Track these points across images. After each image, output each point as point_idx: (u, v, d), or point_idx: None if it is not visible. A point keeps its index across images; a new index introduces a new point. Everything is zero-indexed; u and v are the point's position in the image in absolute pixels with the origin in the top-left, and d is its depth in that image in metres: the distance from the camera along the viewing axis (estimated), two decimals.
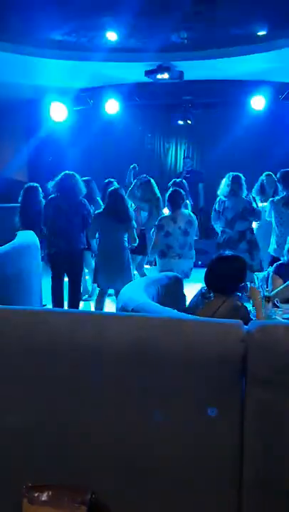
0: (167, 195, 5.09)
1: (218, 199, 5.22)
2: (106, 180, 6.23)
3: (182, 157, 10.34)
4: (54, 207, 4.83)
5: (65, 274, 5.01)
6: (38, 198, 5.54)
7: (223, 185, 5.16)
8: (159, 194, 5.97)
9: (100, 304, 4.96)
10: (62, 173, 4.92)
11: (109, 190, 4.98)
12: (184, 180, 6.57)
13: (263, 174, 6.11)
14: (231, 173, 5.20)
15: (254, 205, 5.20)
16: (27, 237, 4.24)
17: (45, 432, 1.40)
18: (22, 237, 4.17)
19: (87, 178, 5.73)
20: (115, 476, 1.38)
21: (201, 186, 8.75)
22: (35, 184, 5.77)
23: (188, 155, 10.20)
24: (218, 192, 5.23)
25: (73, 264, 4.92)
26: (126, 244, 4.86)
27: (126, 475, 1.37)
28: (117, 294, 4.44)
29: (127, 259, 4.86)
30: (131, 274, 4.91)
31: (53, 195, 4.90)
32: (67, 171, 4.97)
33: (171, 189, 5.26)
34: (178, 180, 6.41)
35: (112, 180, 6.22)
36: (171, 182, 6.22)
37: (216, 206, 5.21)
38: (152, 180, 6.05)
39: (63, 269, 4.92)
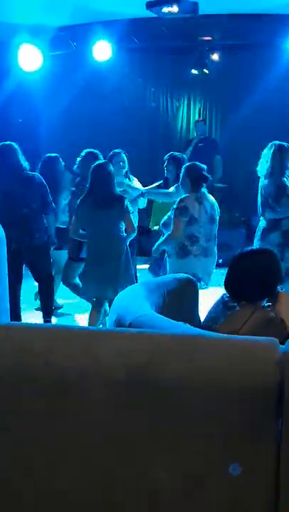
0: (185, 168, 5.08)
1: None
2: (110, 153, 6.20)
3: (197, 118, 10.33)
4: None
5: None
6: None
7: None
8: None
9: (94, 320, 4.96)
10: None
11: (92, 166, 4.98)
12: (184, 156, 6.52)
13: None
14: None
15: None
16: None
17: (11, 487, 1.41)
18: None
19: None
20: None
21: (218, 159, 8.72)
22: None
23: (203, 117, 10.20)
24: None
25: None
26: (123, 234, 4.86)
27: None
28: (110, 303, 4.46)
29: (125, 255, 4.86)
30: (132, 277, 4.90)
31: None
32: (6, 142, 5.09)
33: (188, 163, 5.26)
34: (178, 154, 6.34)
35: (117, 151, 6.18)
36: (167, 155, 6.17)
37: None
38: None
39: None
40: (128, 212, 4.86)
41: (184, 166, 5.15)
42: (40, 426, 1.40)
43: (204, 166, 5.05)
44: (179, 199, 4.91)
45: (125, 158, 6.13)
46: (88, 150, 5.65)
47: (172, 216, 4.84)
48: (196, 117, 10.27)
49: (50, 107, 9.68)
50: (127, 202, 4.88)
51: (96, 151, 5.65)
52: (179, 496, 1.36)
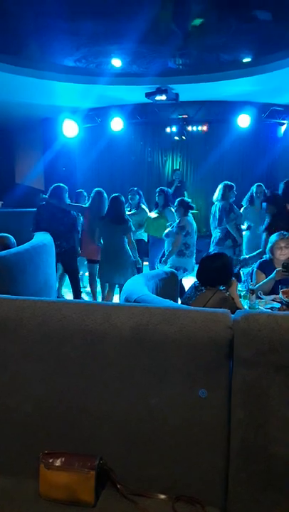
0: (179, 201, 5.08)
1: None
2: (129, 190, 6.18)
3: (177, 167, 10.30)
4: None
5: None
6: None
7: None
8: None
9: (109, 298, 4.95)
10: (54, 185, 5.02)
11: (111, 197, 4.92)
12: (169, 190, 6.50)
13: (254, 185, 5.86)
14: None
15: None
16: (43, 237, 4.23)
17: (59, 406, 1.40)
18: (39, 237, 4.16)
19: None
20: (120, 444, 1.38)
21: (185, 194, 8.72)
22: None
23: (182, 167, 10.21)
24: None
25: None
26: (126, 245, 4.78)
27: (129, 443, 1.37)
28: (120, 288, 4.46)
29: (126, 257, 4.77)
30: (133, 271, 4.81)
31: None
32: (59, 184, 5.05)
33: (179, 198, 5.27)
34: (165, 188, 6.32)
35: (134, 189, 6.13)
36: (158, 189, 6.15)
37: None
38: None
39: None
40: (130, 231, 4.78)
41: (178, 200, 5.19)
42: (76, 366, 1.39)
43: (190, 200, 5.14)
44: (178, 221, 4.99)
45: (141, 192, 6.15)
46: (97, 189, 5.47)
47: (174, 231, 4.93)
48: (178, 166, 10.27)
49: (83, 160, 9.68)
50: (130, 223, 4.83)
51: (101, 189, 5.46)
52: (165, 413, 1.35)
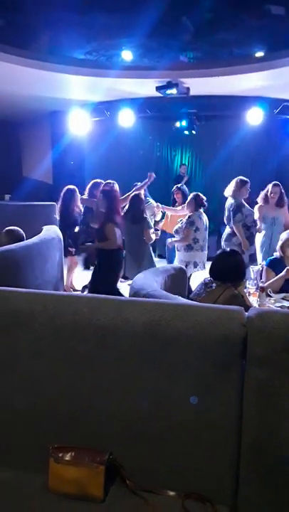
0: (194, 196, 5.06)
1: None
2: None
3: (187, 163, 10.27)
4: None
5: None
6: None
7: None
8: None
9: None
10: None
11: (132, 195, 4.99)
12: (185, 188, 6.52)
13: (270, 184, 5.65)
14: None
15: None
16: (52, 231, 4.23)
17: (70, 400, 1.40)
18: (48, 231, 4.17)
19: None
20: (129, 440, 1.38)
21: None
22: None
23: (190, 162, 10.19)
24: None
25: None
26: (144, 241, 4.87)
27: (138, 440, 1.37)
28: None
29: (143, 254, 4.84)
30: (152, 264, 4.86)
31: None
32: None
33: (194, 192, 5.24)
34: (182, 187, 6.37)
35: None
36: (175, 187, 6.18)
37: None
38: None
39: None
40: (149, 228, 4.84)
41: (193, 194, 5.16)
42: (87, 360, 1.39)
43: (204, 197, 5.09)
44: (188, 216, 4.96)
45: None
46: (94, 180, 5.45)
47: (183, 226, 4.90)
48: (187, 162, 10.24)
49: (92, 154, 9.66)
50: (148, 220, 4.88)
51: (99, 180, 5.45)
52: (175, 409, 1.34)
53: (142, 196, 5.02)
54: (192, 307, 1.35)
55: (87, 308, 1.36)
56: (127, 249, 4.93)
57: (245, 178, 5.20)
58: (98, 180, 5.75)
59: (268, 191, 5.34)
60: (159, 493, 1.33)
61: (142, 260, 4.84)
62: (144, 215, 4.92)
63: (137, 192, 5.01)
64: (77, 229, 5.37)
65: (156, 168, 9.85)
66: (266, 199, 5.30)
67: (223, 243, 5.26)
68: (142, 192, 5.30)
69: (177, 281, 3.39)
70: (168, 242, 5.34)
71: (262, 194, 5.42)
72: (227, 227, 5.30)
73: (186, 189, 6.34)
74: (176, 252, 5.12)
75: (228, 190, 5.19)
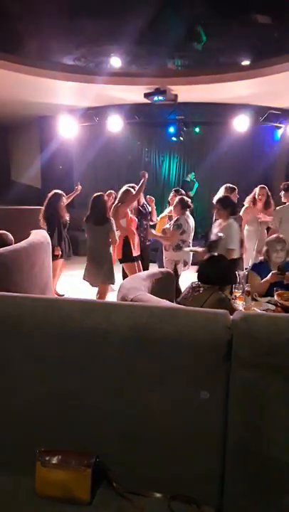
0: (179, 199, 5.09)
1: None
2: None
3: (174, 168, 10.34)
4: None
5: None
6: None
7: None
8: None
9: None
10: None
11: (93, 196, 4.78)
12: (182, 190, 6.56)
13: (258, 187, 5.78)
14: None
15: None
16: (40, 235, 4.21)
17: (58, 403, 1.40)
18: (36, 235, 4.15)
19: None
20: (117, 443, 1.38)
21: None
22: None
23: (177, 168, 10.26)
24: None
25: None
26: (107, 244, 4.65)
27: (126, 442, 1.37)
28: None
29: (105, 258, 4.63)
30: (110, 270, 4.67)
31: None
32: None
33: (179, 196, 5.25)
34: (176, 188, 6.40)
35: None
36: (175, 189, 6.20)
37: None
38: None
39: None
40: (112, 231, 4.59)
41: (178, 197, 5.18)
42: (76, 364, 1.39)
43: (189, 199, 5.14)
44: (176, 218, 4.98)
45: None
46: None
47: (170, 228, 4.93)
48: (174, 168, 10.30)
49: (80, 159, 9.66)
50: (112, 222, 4.65)
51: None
52: (162, 412, 1.35)
53: (106, 197, 4.86)
54: (178, 311, 1.36)
55: (75, 312, 1.36)
56: (88, 253, 4.77)
57: (232, 186, 5.27)
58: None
59: (255, 194, 5.45)
60: (145, 495, 1.34)
61: (103, 264, 4.62)
62: (108, 217, 4.68)
63: (99, 193, 4.85)
64: (64, 233, 5.32)
65: None
66: (254, 201, 5.43)
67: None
68: (134, 190, 5.21)
69: (165, 285, 3.39)
70: (150, 234, 5.32)
71: (250, 197, 5.54)
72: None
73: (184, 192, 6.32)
74: (164, 251, 5.15)
75: (217, 197, 5.23)
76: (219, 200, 4.61)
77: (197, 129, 8.91)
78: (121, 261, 5.13)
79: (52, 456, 1.34)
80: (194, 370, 1.30)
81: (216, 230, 4.53)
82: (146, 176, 5.21)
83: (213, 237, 4.48)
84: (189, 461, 1.34)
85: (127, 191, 5.09)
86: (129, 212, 5.09)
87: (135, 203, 5.33)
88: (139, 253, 5.16)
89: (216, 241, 4.40)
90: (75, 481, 1.31)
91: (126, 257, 5.07)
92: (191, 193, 9.06)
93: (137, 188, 5.17)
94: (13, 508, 1.30)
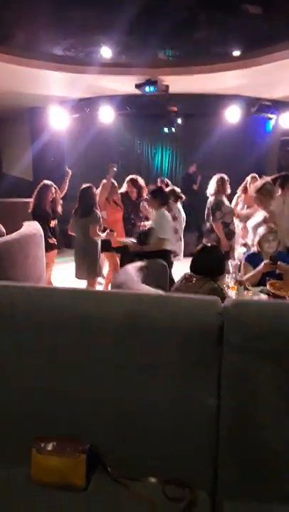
0: (170, 191, 5.13)
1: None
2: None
3: (167, 160, 10.31)
4: None
5: None
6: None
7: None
8: None
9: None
10: None
11: (82, 187, 4.72)
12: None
13: (249, 176, 5.87)
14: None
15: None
16: (32, 227, 4.20)
17: (51, 392, 1.41)
18: (28, 227, 4.14)
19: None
20: (111, 429, 1.39)
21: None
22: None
23: (170, 160, 10.22)
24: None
25: None
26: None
27: (119, 428, 1.39)
28: None
29: (89, 251, 4.58)
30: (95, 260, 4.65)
31: None
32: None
33: (170, 188, 5.29)
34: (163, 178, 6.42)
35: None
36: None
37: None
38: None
39: None
40: (95, 223, 4.53)
41: (169, 189, 5.22)
42: (68, 353, 1.39)
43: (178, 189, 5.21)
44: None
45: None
46: None
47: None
48: (167, 160, 10.26)
49: (72, 150, 9.58)
50: (96, 214, 4.59)
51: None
52: (155, 397, 1.36)
53: (94, 189, 4.76)
54: (170, 298, 1.38)
55: (67, 300, 1.37)
56: (75, 246, 4.72)
57: (225, 176, 5.27)
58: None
59: (247, 182, 5.55)
60: (140, 480, 1.35)
61: (85, 257, 4.58)
62: (94, 209, 4.60)
63: (88, 184, 4.72)
64: (53, 223, 5.25)
65: (137, 166, 9.86)
66: (245, 190, 5.54)
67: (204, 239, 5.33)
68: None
69: (158, 275, 3.41)
70: (141, 224, 5.30)
71: (242, 185, 5.65)
72: (207, 223, 5.36)
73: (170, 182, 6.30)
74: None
75: (210, 189, 5.24)
76: (150, 192, 4.72)
77: (179, 120, 8.84)
78: (101, 250, 5.08)
79: (47, 443, 1.35)
80: (186, 356, 1.32)
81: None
82: (114, 169, 5.20)
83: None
84: (182, 445, 1.36)
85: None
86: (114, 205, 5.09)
87: (118, 195, 5.33)
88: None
89: (147, 231, 4.40)
90: (71, 467, 1.33)
91: (105, 247, 4.99)
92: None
93: (138, 179, 5.27)
94: (9, 494, 1.31)
